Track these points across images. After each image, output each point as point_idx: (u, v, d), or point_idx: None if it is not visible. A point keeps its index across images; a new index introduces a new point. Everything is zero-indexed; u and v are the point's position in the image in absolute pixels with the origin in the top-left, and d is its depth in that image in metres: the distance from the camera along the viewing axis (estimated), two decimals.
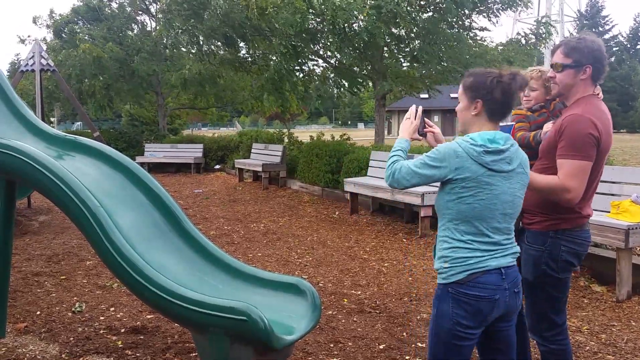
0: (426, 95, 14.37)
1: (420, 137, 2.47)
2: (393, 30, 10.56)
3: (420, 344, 3.85)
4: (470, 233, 2.14)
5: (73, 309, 4.57)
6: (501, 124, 2.60)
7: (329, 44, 10.19)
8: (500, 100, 2.17)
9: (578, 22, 52.88)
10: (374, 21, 9.31)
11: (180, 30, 11.91)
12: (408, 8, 9.45)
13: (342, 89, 12.40)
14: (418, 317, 4.37)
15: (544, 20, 11.61)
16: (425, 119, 2.49)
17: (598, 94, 2.68)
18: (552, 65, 2.68)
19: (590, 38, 2.62)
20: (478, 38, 11.38)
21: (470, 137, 2.16)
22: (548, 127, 2.85)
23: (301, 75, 12.56)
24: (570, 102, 2.66)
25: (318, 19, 10.70)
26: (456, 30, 10.71)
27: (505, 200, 2.15)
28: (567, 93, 2.67)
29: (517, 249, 2.28)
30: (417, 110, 2.43)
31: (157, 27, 20.16)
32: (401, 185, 2.20)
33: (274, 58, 10.54)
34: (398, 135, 2.42)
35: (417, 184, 2.18)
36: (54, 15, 21.88)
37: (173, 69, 17.43)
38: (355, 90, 12.69)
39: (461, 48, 10.62)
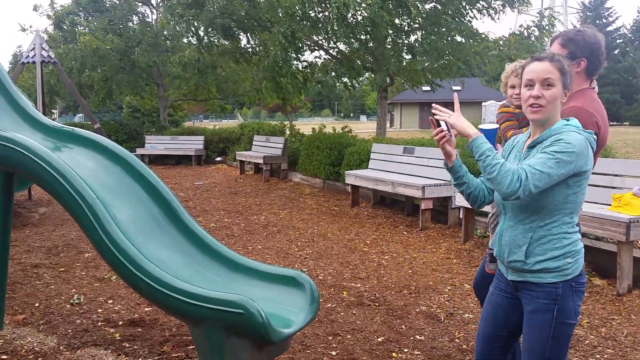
0: (428, 88, 14.33)
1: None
2: (396, 20, 10.51)
3: (418, 337, 3.84)
4: (577, 223, 2.10)
5: (71, 301, 4.57)
6: (484, 127, 2.57)
7: (331, 33, 10.11)
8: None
9: (582, 14, 52.63)
10: (377, 10, 9.26)
11: (179, 19, 11.85)
12: None
13: (340, 80, 12.34)
14: (417, 310, 4.36)
15: (547, 12, 11.54)
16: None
17: (594, 88, 2.65)
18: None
19: (591, 32, 2.59)
20: (478, 35, 11.33)
21: (576, 126, 2.02)
22: None
23: (300, 66, 12.51)
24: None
25: (320, 8, 10.64)
26: (457, 22, 10.64)
27: None
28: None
29: None
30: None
31: (158, 19, 20.12)
32: (532, 193, 1.92)
33: (272, 48, 10.49)
34: (471, 132, 2.08)
35: (544, 187, 1.93)
36: (55, 5, 21.83)
37: (173, 59, 17.39)
38: (352, 83, 12.63)
39: (462, 42, 10.57)
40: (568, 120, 2.05)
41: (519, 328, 2.18)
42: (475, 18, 10.97)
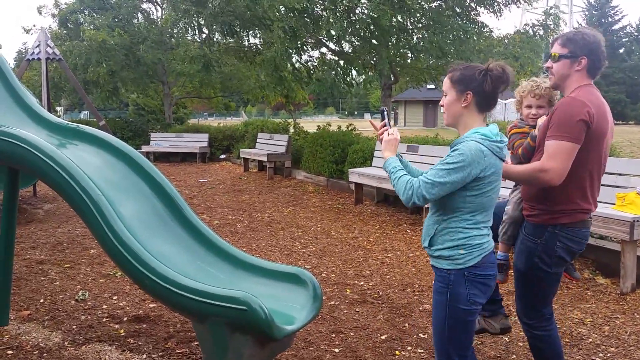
0: (432, 86, 14.31)
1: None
2: (399, 18, 10.49)
3: (422, 335, 3.85)
4: (483, 221, 2.28)
5: (76, 297, 4.59)
6: None
7: (331, 29, 10.08)
8: (489, 92, 2.25)
9: (587, 13, 52.41)
10: (378, 5, 9.24)
11: (183, 14, 11.86)
12: None
13: (342, 79, 12.32)
14: (420, 308, 4.37)
15: (552, 11, 11.51)
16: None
17: None
18: (550, 56, 2.70)
19: (590, 32, 2.64)
20: (484, 30, 11.30)
21: (483, 135, 2.21)
22: (542, 119, 2.83)
23: (302, 61, 12.50)
24: (567, 94, 2.65)
25: (320, 3, 10.64)
26: (462, 21, 10.62)
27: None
28: (562, 84, 2.69)
29: None
30: (396, 130, 2.50)
31: (163, 16, 20.13)
32: (426, 200, 2.19)
33: (275, 44, 10.47)
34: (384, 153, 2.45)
35: (443, 194, 2.19)
36: (59, 3, 21.86)
37: (178, 57, 17.40)
38: (351, 82, 12.61)
39: (467, 41, 10.54)
40: (478, 129, 2.24)
41: None
42: (479, 15, 10.94)
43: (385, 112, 2.58)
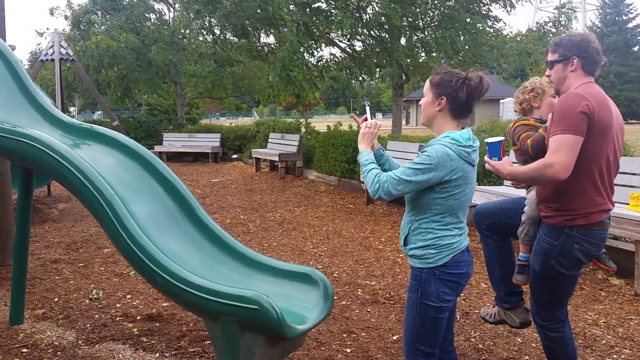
0: None
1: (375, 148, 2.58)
2: (409, 16, 10.46)
3: None
4: (452, 222, 2.35)
5: (90, 296, 4.63)
6: (489, 140, 2.64)
7: (340, 23, 10.04)
8: (464, 100, 2.30)
9: (601, 11, 51.93)
10: (389, 3, 9.22)
11: (195, 15, 11.91)
12: None
13: (354, 77, 12.30)
14: None
15: (565, 8, 11.42)
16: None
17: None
18: (546, 64, 2.77)
19: (577, 33, 2.71)
20: (496, 27, 11.23)
21: (453, 139, 2.27)
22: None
23: (313, 60, 12.50)
24: None
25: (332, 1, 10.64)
26: (473, 18, 10.55)
27: (474, 187, 2.40)
28: (561, 87, 2.71)
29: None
30: (375, 123, 2.52)
31: (175, 17, 20.23)
32: (391, 196, 2.28)
33: (287, 42, 10.48)
34: (359, 146, 2.50)
35: (408, 192, 2.28)
36: (72, 5, 22.05)
37: (190, 58, 17.47)
38: (363, 78, 12.60)
39: (479, 38, 10.48)
40: (449, 134, 2.30)
41: None
42: (490, 10, 10.87)
43: (367, 106, 2.62)
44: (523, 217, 2.92)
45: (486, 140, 2.71)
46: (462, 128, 2.37)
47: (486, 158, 2.68)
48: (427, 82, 2.40)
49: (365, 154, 2.44)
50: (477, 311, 4.28)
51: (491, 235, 3.13)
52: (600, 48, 2.64)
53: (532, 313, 2.90)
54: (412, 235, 2.39)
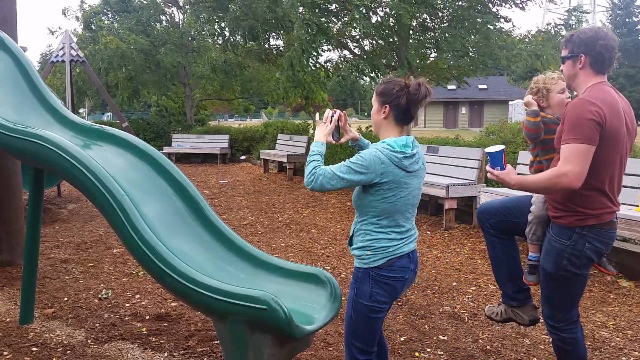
0: (453, 87, 14.22)
1: (334, 141, 2.63)
2: (419, 16, 10.45)
3: (441, 337, 3.84)
4: (390, 226, 2.43)
5: (99, 296, 4.66)
6: (490, 149, 2.64)
7: (353, 21, 10.03)
8: (404, 107, 2.41)
9: (611, 12, 51.61)
10: (400, 3, 9.21)
11: (205, 21, 11.96)
12: None
13: (362, 77, 12.27)
14: (440, 310, 4.35)
15: (575, 12, 11.36)
16: (342, 125, 2.66)
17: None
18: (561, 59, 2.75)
19: (587, 29, 2.65)
20: (505, 29, 11.19)
21: (388, 145, 2.38)
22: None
23: (322, 61, 12.52)
24: (580, 94, 2.64)
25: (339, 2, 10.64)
26: (483, 17, 10.52)
27: (415, 195, 2.47)
28: (572, 83, 2.70)
29: (417, 233, 2.58)
30: (332, 116, 2.61)
31: (185, 19, 20.31)
32: (323, 189, 2.37)
33: (295, 44, 10.49)
34: (314, 138, 2.58)
35: (340, 187, 2.37)
36: (84, 6, 22.19)
37: (200, 60, 17.54)
38: (375, 76, 12.58)
39: (488, 38, 10.45)
40: (385, 140, 2.42)
41: None
42: (499, 10, 10.84)
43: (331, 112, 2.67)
44: (530, 217, 2.91)
45: (486, 149, 2.71)
46: (407, 134, 2.49)
47: (488, 168, 2.69)
48: (374, 92, 2.53)
49: (314, 146, 2.52)
50: (484, 313, 4.28)
51: (496, 234, 3.12)
52: (614, 44, 2.57)
53: (543, 315, 2.87)
54: (356, 235, 2.50)
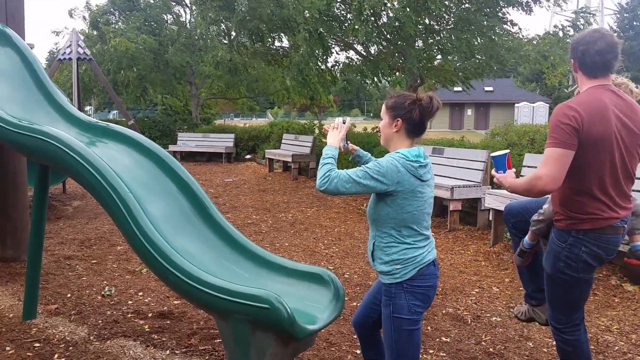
0: (459, 89, 14.17)
1: (343, 149, 2.70)
2: (425, 20, 10.43)
3: (444, 338, 3.82)
4: (411, 235, 2.44)
5: (102, 293, 4.67)
6: (495, 154, 2.77)
7: (356, 32, 10.06)
8: (417, 120, 2.44)
9: (619, 15, 51.41)
10: (404, 9, 9.20)
11: (211, 22, 11.97)
12: None
13: (367, 80, 12.26)
14: (443, 312, 4.34)
15: (582, 12, 11.31)
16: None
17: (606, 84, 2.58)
18: None
19: (581, 33, 2.66)
20: (513, 31, 11.15)
21: (402, 154, 2.40)
22: None
23: (329, 64, 12.50)
24: None
25: (344, 5, 10.63)
26: (489, 21, 10.49)
27: (430, 203, 2.49)
28: (579, 88, 2.70)
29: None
30: (344, 122, 2.70)
31: (192, 19, 20.36)
32: (338, 192, 2.36)
33: (302, 48, 10.51)
34: (327, 142, 2.63)
35: (354, 192, 2.38)
36: (90, 6, 22.26)
37: (206, 59, 17.59)
38: (378, 80, 12.57)
39: (495, 41, 10.42)
40: (399, 150, 2.45)
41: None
42: (508, 14, 10.80)
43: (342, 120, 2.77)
44: (540, 210, 2.95)
45: (492, 154, 2.78)
46: (415, 145, 2.52)
47: (493, 172, 2.76)
48: (383, 106, 2.54)
49: (327, 149, 2.53)
50: (487, 315, 4.27)
51: (517, 234, 3.19)
52: (601, 47, 2.51)
53: (548, 316, 2.89)
54: (377, 251, 2.50)
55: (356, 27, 9.74)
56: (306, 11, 10.06)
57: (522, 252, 3.09)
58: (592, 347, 3.66)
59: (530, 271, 3.17)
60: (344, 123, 2.68)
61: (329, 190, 2.35)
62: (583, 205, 2.56)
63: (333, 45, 11.83)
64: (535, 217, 2.99)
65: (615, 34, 2.66)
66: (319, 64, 11.50)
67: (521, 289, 4.87)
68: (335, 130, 2.65)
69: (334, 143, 2.59)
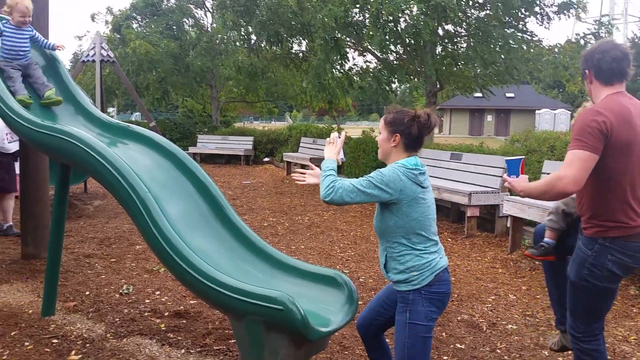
0: (479, 94, 14.11)
1: (340, 162, 2.74)
2: (444, 26, 10.42)
3: (458, 345, 3.81)
4: (421, 242, 2.50)
5: (120, 291, 4.73)
6: (509, 158, 2.81)
7: (371, 38, 10.09)
8: (415, 135, 2.53)
9: None
10: (421, 16, 9.21)
11: (232, 26, 12.10)
12: (458, 1, 9.31)
13: (383, 86, 12.26)
14: (458, 318, 4.32)
15: (605, 20, 11.20)
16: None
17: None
18: None
19: (595, 43, 2.70)
20: (533, 40, 11.08)
21: (401, 164, 2.48)
22: None
23: (346, 67, 12.54)
24: None
25: (361, 13, 10.67)
26: (509, 31, 10.44)
27: (433, 209, 2.55)
28: (591, 99, 2.72)
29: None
30: (339, 136, 2.76)
31: (213, 23, 20.53)
32: (343, 202, 2.43)
33: (318, 54, 10.58)
34: (325, 156, 2.70)
35: (359, 201, 2.45)
36: (112, 10, 22.58)
37: (227, 63, 17.73)
38: (393, 89, 12.60)
39: (514, 50, 10.36)
40: (396, 162, 2.52)
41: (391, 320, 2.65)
42: (526, 24, 10.74)
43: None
44: (549, 210, 2.98)
45: (506, 158, 2.78)
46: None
47: (505, 176, 2.77)
48: (382, 121, 2.62)
49: (326, 163, 2.62)
50: (503, 322, 4.24)
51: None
52: (616, 55, 2.55)
53: (567, 324, 2.86)
54: (389, 261, 2.55)
55: (371, 33, 9.78)
56: (325, 18, 10.12)
57: (540, 246, 3.11)
58: (609, 357, 3.62)
59: (557, 294, 3.17)
60: (340, 137, 2.75)
61: (334, 200, 2.42)
62: (614, 212, 2.54)
63: (350, 51, 11.88)
64: (547, 217, 3.01)
65: (639, 42, 2.66)
66: (334, 70, 11.57)
67: (538, 297, 4.83)
68: (332, 145, 2.71)
69: (331, 157, 2.66)
